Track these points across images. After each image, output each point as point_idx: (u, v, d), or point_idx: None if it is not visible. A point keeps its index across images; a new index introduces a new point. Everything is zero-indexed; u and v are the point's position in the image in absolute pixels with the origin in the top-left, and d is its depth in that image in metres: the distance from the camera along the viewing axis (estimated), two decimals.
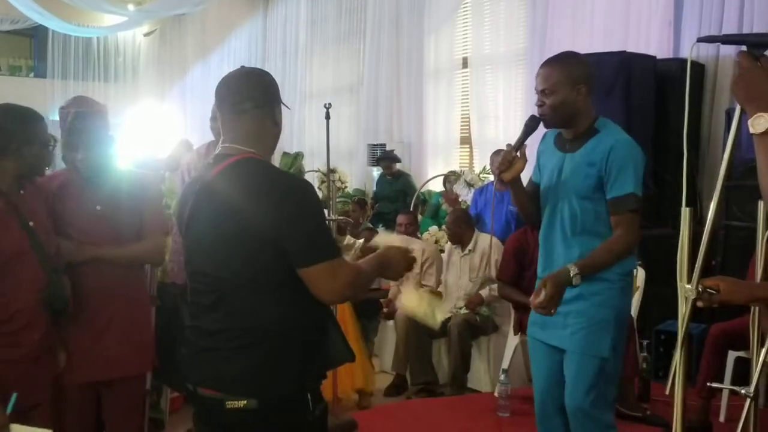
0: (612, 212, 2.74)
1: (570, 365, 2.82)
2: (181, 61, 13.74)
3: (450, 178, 7.63)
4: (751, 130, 1.76)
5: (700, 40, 2.07)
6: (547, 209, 2.89)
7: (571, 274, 2.67)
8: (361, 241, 6.44)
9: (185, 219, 2.13)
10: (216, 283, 2.02)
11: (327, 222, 2.35)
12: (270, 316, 1.99)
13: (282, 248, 1.94)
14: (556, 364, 2.88)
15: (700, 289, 2.12)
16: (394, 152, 8.68)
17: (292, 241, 1.94)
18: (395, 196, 8.26)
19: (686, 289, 2.18)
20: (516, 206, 3.00)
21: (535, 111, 2.87)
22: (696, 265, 2.21)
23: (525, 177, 2.92)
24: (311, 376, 2.07)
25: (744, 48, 1.88)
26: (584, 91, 2.77)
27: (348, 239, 6.63)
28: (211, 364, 2.03)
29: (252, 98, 2.09)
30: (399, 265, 2.23)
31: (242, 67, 2.23)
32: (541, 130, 2.93)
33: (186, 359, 2.13)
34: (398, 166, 8.60)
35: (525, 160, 2.80)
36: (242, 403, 1.95)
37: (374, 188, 8.85)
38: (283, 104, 2.18)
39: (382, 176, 8.66)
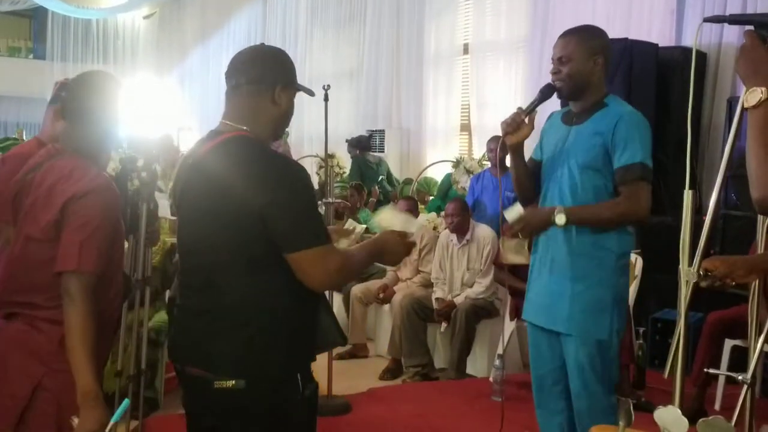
0: (619, 182, 2.69)
1: (569, 349, 2.78)
2: (181, 44, 13.68)
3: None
4: (744, 104, 1.77)
5: (706, 20, 2.06)
6: (547, 183, 2.85)
7: (555, 212, 2.67)
8: (363, 227, 6.42)
9: (178, 195, 2.11)
10: (205, 262, 1.98)
11: (319, 207, 2.33)
12: (258, 297, 1.95)
13: (269, 232, 1.90)
14: (555, 348, 2.85)
15: (701, 273, 2.13)
16: (384, 137, 8.67)
17: (279, 226, 1.90)
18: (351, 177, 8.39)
19: (687, 272, 2.18)
20: (512, 177, 2.93)
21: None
22: (698, 248, 2.21)
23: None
24: (300, 357, 2.04)
25: (751, 27, 1.87)
26: (601, 62, 2.76)
27: (349, 223, 6.61)
28: (199, 344, 2.00)
29: (246, 73, 2.04)
30: (397, 250, 2.19)
31: (262, 44, 2.19)
32: (548, 107, 2.90)
33: (174, 338, 2.11)
34: (396, 152, 8.59)
35: (532, 128, 2.78)
36: (230, 383, 1.92)
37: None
38: (302, 88, 2.12)
39: None
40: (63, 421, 2.11)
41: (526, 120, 2.75)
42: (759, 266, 2.20)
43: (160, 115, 11.14)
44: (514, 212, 2.71)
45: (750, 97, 1.75)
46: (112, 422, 2.02)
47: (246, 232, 1.92)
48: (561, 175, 2.78)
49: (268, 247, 1.91)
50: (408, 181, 8.65)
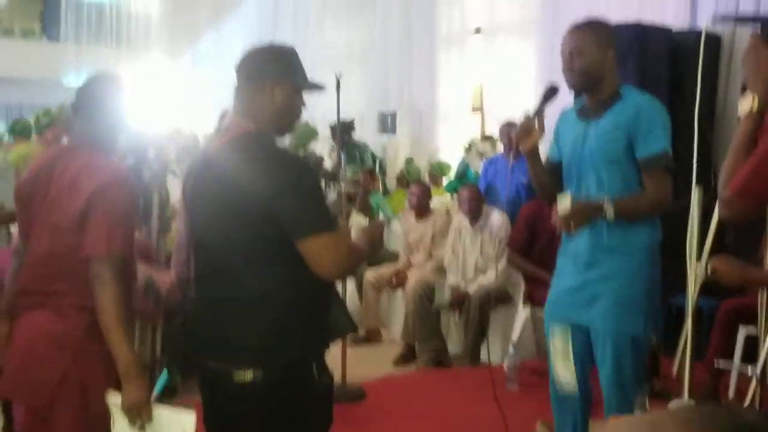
0: (645, 171, 2.72)
1: (601, 344, 2.78)
2: (193, 25, 13.63)
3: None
4: (738, 110, 1.83)
5: (717, 18, 2.08)
6: (572, 181, 2.86)
7: (605, 204, 2.66)
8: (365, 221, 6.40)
9: (189, 190, 2.17)
10: (219, 253, 2.05)
11: (332, 190, 2.43)
12: (272, 288, 2.02)
13: (278, 221, 1.96)
14: (577, 344, 2.86)
15: (707, 270, 2.19)
16: (395, 118, 8.60)
17: (288, 214, 1.96)
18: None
19: (695, 268, 2.22)
20: (533, 180, 2.97)
21: (547, 78, 2.87)
22: (705, 245, 2.25)
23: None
24: (314, 345, 2.11)
25: (758, 27, 1.89)
26: (612, 55, 2.78)
27: (354, 218, 6.59)
28: (216, 336, 2.07)
29: (245, 70, 2.12)
30: (379, 239, 2.35)
31: (269, 43, 2.23)
32: (558, 103, 2.91)
33: (192, 330, 2.17)
34: (407, 134, 8.57)
35: (543, 131, 2.81)
36: (249, 374, 1.99)
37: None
38: (309, 86, 2.17)
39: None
40: (88, 401, 2.25)
41: (536, 125, 2.78)
42: (750, 279, 2.33)
43: (173, 97, 11.14)
44: (564, 202, 2.69)
45: (743, 102, 1.79)
46: (155, 393, 2.16)
47: (258, 225, 1.99)
48: (586, 172, 2.79)
49: (279, 238, 1.98)
50: (410, 161, 8.60)
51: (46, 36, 14.28)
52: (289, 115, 2.16)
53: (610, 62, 2.77)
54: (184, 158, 5.67)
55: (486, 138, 7.60)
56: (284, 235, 1.97)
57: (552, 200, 2.94)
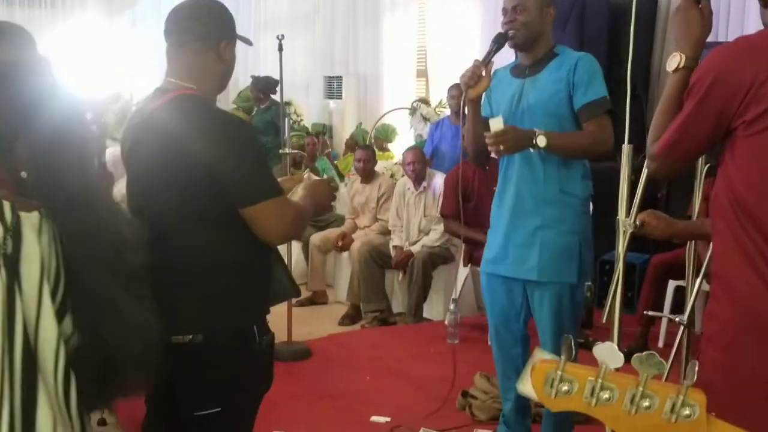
0: (587, 117, 2.78)
1: (541, 295, 2.87)
2: None
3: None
4: (667, 67, 1.89)
5: None
6: None
7: (537, 133, 2.69)
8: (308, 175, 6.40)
9: (126, 153, 2.13)
10: (156, 219, 1.97)
11: (268, 160, 2.38)
12: (211, 253, 1.99)
13: (221, 187, 1.92)
14: (515, 296, 2.94)
15: (637, 223, 2.28)
16: (341, 83, 8.57)
17: (232, 180, 1.92)
18: (266, 128, 7.26)
19: (624, 222, 2.32)
20: (468, 134, 2.94)
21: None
22: (634, 200, 2.34)
23: None
24: (256, 310, 2.09)
25: None
26: (552, 13, 2.85)
27: (306, 175, 6.59)
28: (155, 301, 2.05)
29: (191, 30, 2.03)
30: (327, 197, 2.31)
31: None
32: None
33: None
34: (353, 99, 8.54)
35: (489, 79, 2.82)
36: (188, 337, 1.96)
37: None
38: (241, 39, 2.14)
39: (257, 107, 8.15)
40: None
41: (483, 72, 2.79)
42: (676, 233, 2.43)
43: (111, 59, 10.87)
44: (498, 123, 2.72)
45: (671, 61, 1.85)
46: None
47: (196, 190, 1.94)
48: (526, 126, 2.82)
49: (218, 203, 1.94)
50: (359, 125, 8.58)
51: None
52: (231, 72, 2.15)
53: (549, 21, 2.85)
54: (123, 123, 5.59)
55: (428, 102, 7.62)
56: (225, 202, 1.93)
57: (484, 157, 2.99)
